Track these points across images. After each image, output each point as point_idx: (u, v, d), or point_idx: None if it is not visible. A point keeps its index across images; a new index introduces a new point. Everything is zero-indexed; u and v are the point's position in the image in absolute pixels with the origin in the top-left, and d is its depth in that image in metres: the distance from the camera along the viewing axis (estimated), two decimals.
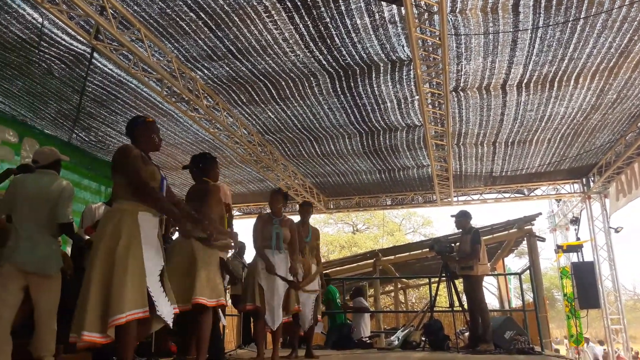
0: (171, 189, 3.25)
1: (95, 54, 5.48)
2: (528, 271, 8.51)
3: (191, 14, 4.93)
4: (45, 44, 5.18)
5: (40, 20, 4.80)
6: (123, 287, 2.69)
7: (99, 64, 5.75)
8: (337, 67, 5.98)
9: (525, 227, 10.35)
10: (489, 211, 45.10)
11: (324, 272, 7.53)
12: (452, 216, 6.89)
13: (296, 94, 6.60)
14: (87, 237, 4.91)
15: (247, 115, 7.40)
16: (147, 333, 3.07)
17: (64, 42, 5.24)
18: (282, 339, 5.58)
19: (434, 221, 33.04)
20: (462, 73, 6.24)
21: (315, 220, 6.65)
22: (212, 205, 3.77)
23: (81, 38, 5.08)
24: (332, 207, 12.17)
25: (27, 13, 4.73)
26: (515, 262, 22.40)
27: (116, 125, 7.41)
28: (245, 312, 5.01)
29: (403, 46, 5.58)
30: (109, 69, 5.88)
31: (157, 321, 2.94)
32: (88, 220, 5.03)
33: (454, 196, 10.98)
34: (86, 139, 7.71)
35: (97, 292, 2.70)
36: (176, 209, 3.11)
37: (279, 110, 7.10)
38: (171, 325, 2.96)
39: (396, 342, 7.24)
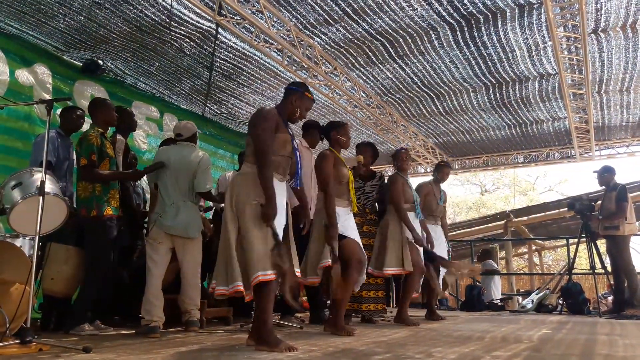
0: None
1: (220, 30, 5.77)
2: None
3: None
4: (175, 24, 5.55)
5: (169, 1, 5.14)
6: (253, 249, 2.73)
7: (224, 39, 6.04)
8: (458, 18, 5.65)
9: None
10: (638, 165, 40.43)
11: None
12: (594, 172, 6.37)
13: (415, 50, 6.38)
14: (222, 204, 5.32)
15: (364, 78, 7.34)
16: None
17: (191, 21, 5.57)
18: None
19: (572, 179, 30.55)
20: (602, 12, 5.57)
21: None
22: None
23: (206, 15, 5.37)
24: (456, 167, 11.74)
25: None
26: None
27: (244, 97, 7.79)
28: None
29: None
30: (233, 43, 6.15)
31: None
32: (222, 187, 5.44)
33: (596, 150, 9.99)
34: (217, 111, 8.23)
35: (222, 253, 2.86)
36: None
37: (397, 68, 6.93)
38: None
39: (530, 305, 6.92)
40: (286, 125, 3.07)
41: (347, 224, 3.82)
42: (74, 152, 4.21)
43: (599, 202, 6.37)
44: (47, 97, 5.52)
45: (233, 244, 2.80)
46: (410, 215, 4.77)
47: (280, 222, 2.94)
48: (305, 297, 7.63)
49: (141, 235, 4.77)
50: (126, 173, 3.92)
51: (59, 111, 4.51)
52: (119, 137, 4.53)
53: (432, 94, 7.85)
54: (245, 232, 2.79)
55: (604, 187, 6.35)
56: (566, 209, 7.13)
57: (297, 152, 3.09)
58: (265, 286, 2.75)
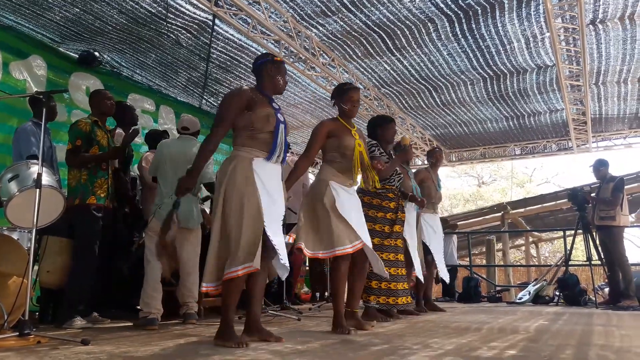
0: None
1: (216, 21, 5.73)
2: None
3: None
4: (172, 16, 5.51)
5: None
6: (238, 239, 2.61)
7: (221, 31, 6.00)
8: (456, 9, 5.63)
9: None
10: (635, 157, 40.53)
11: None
12: (590, 167, 6.42)
13: (413, 43, 6.36)
14: None
15: (362, 70, 7.32)
16: (267, 281, 3.07)
17: (188, 12, 5.54)
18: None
19: (569, 170, 30.60)
20: (601, 3, 5.56)
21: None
22: None
23: (203, 6, 5.33)
24: (454, 159, 11.75)
25: None
26: None
27: None
28: None
29: None
30: (230, 34, 6.12)
31: (281, 269, 2.86)
32: None
33: (593, 142, 10.01)
34: (215, 104, 8.18)
35: (214, 243, 2.72)
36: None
37: (395, 61, 6.91)
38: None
39: (527, 297, 6.96)
40: (270, 101, 2.89)
41: (346, 205, 3.33)
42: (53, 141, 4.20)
43: (593, 194, 6.43)
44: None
45: (215, 235, 2.73)
46: (408, 207, 4.76)
47: (272, 209, 2.75)
48: (305, 289, 7.65)
49: (139, 227, 4.76)
50: (105, 153, 3.83)
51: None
52: (118, 131, 4.52)
53: (429, 86, 7.83)
54: (227, 219, 2.68)
55: (599, 181, 6.41)
56: (563, 200, 7.16)
57: (281, 125, 2.84)
58: (229, 282, 2.66)
